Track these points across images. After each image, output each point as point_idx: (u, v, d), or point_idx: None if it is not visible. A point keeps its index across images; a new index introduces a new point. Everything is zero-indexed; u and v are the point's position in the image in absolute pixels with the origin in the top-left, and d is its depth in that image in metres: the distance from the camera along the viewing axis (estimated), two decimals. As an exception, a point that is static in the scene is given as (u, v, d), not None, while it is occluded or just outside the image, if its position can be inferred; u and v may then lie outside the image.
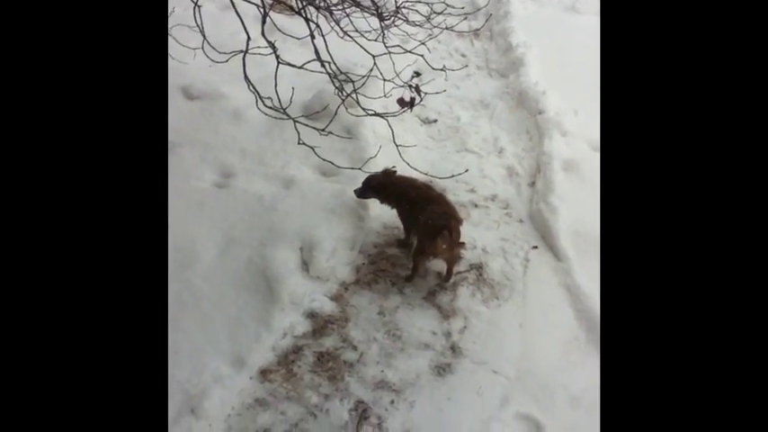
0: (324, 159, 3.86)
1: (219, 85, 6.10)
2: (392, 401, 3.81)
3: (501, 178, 5.84)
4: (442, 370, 4.02)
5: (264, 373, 3.89)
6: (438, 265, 4.74)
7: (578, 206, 5.21)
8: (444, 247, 4.34)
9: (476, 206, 5.44)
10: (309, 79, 5.25)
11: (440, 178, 4.98)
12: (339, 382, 3.88)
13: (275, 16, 5.85)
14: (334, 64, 3.37)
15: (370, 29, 4.32)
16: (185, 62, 5.16)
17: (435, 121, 6.70)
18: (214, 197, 5.01)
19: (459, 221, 4.48)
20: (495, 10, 9.19)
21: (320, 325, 4.23)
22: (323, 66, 3.37)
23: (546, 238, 5.07)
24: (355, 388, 3.87)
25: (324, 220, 4.79)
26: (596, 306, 4.34)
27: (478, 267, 4.78)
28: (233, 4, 3.09)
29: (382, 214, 5.20)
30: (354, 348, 4.11)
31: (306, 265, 4.54)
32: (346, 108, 3.57)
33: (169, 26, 2.92)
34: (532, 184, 5.73)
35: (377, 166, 5.39)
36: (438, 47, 8.15)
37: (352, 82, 3.45)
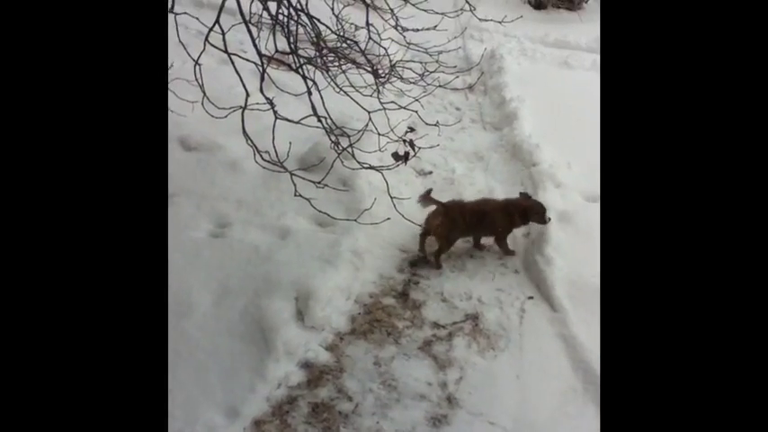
0: (320, 211, 3.91)
1: (217, 136, 6.20)
2: (387, 454, 3.76)
3: (496, 229, 5.89)
4: (437, 421, 3.97)
5: (258, 424, 3.83)
6: (434, 314, 4.76)
7: (573, 257, 5.24)
8: None
9: (471, 257, 5.47)
10: (306, 132, 5.35)
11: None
12: (334, 435, 3.83)
13: (272, 71, 6.01)
14: (330, 119, 3.46)
15: (366, 84, 4.44)
16: (183, 114, 5.27)
17: (431, 173, 6.79)
18: (210, 247, 5.03)
19: None
20: (489, 66, 9.43)
21: (315, 375, 4.20)
22: (319, 121, 3.46)
23: (541, 288, 5.08)
24: (350, 440, 3.82)
25: (319, 270, 4.81)
26: (593, 357, 4.32)
27: (474, 318, 4.77)
28: (231, 60, 3.19)
29: (379, 265, 5.22)
30: (350, 399, 4.06)
31: (301, 315, 4.53)
32: (342, 161, 3.64)
33: (168, 80, 3.01)
34: (527, 235, 5.78)
35: (372, 218, 5.45)
36: (433, 101, 8.33)
37: (348, 136, 3.53)
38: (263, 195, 5.69)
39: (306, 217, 5.47)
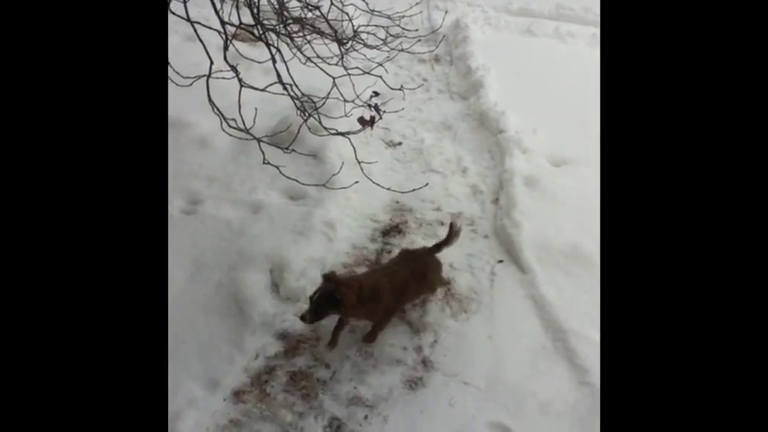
0: (288, 177, 3.93)
1: (184, 113, 6.15)
2: (366, 417, 3.85)
3: (465, 196, 5.99)
4: (414, 384, 4.08)
5: (238, 395, 3.90)
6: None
7: (540, 220, 5.37)
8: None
9: (442, 224, 5.55)
10: (274, 107, 5.37)
11: (403, 192, 5.08)
12: (313, 400, 3.91)
13: (238, 44, 5.97)
14: (297, 87, 3.48)
15: (332, 54, 4.45)
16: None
17: (400, 143, 6.85)
18: (182, 224, 5.04)
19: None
20: (454, 35, 9.47)
21: (292, 345, 4.27)
22: (285, 88, 3.47)
23: (510, 251, 5.20)
24: (329, 405, 3.90)
25: (293, 242, 4.86)
26: (561, 315, 4.47)
27: (446, 283, 4.87)
28: (195, 31, 3.19)
29: (351, 236, 5.29)
30: (327, 366, 4.15)
31: (276, 287, 4.59)
32: (309, 128, 3.67)
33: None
34: (496, 200, 5.89)
35: (341, 183, 5.50)
36: (400, 72, 8.38)
37: (314, 102, 3.56)
38: (233, 171, 5.70)
39: (277, 191, 5.50)
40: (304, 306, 4.54)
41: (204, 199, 5.35)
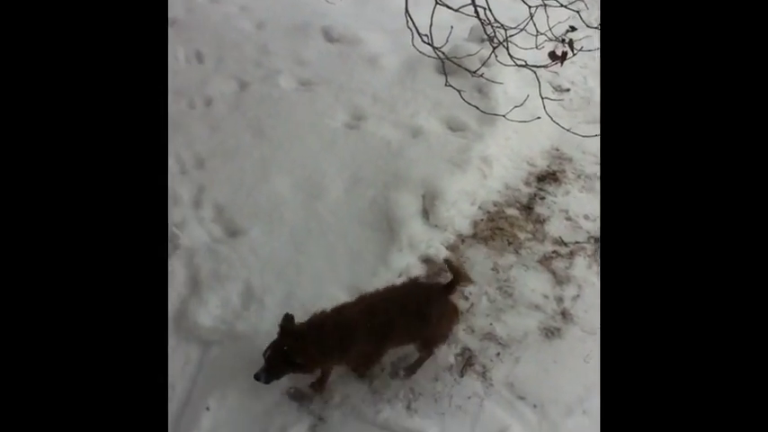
0: (468, 103, 3.82)
1: (359, 30, 6.23)
2: (498, 354, 3.87)
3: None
4: (550, 333, 4.02)
5: (378, 307, 4.04)
6: (556, 231, 4.73)
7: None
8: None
9: (600, 178, 5.31)
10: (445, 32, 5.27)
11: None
12: (448, 327, 3.98)
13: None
14: (490, 11, 3.36)
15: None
16: (332, 1, 5.32)
17: (568, 90, 6.55)
18: (345, 137, 5.17)
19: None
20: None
21: (434, 271, 4.32)
22: (476, 11, 3.37)
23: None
24: (463, 335, 3.95)
25: (447, 172, 4.84)
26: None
27: (597, 240, 4.70)
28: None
29: (506, 176, 5.20)
30: (465, 298, 4.18)
31: (426, 213, 4.63)
32: (496, 56, 3.56)
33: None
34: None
35: (506, 128, 5.38)
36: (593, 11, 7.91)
37: (505, 29, 3.43)
38: (398, 93, 5.72)
39: (438, 119, 5.48)
40: (451, 237, 4.59)
41: (367, 116, 5.44)
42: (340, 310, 3.42)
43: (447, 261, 3.76)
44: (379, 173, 4.82)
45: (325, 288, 4.00)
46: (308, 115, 5.36)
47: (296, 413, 3.49)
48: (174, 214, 4.42)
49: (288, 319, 3.34)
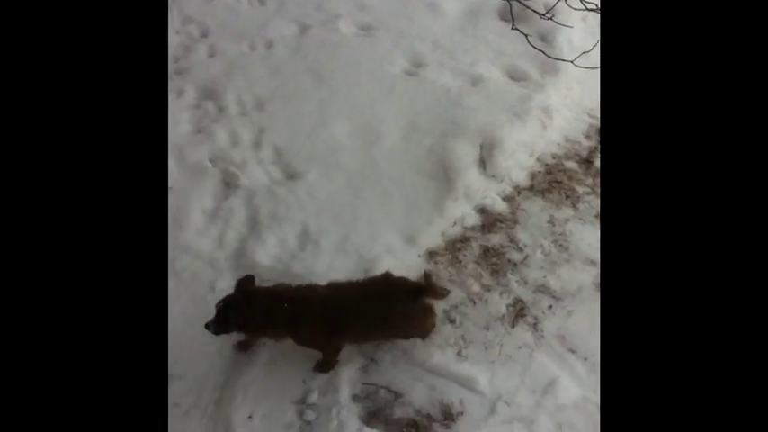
0: (536, 48, 3.73)
1: (420, -26, 6.08)
2: (550, 306, 3.86)
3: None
4: (605, 288, 3.98)
5: (432, 255, 4.07)
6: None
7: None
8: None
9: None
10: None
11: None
12: (501, 278, 3.98)
13: None
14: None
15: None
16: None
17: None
18: (403, 84, 5.12)
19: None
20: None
21: (489, 221, 4.31)
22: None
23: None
24: (516, 286, 3.95)
25: (507, 122, 4.76)
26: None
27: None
28: None
29: (566, 128, 5.08)
30: (520, 250, 4.16)
31: (483, 163, 4.58)
32: (566, 1, 3.44)
33: None
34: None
35: (569, 79, 5.23)
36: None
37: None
38: (459, 40, 5.61)
39: (499, 67, 5.36)
40: (507, 188, 4.55)
41: (427, 63, 5.36)
42: (302, 289, 3.36)
43: (426, 274, 3.48)
44: (437, 121, 4.77)
45: (380, 233, 4.05)
46: (367, 61, 5.32)
47: (348, 353, 3.58)
48: (235, 155, 4.50)
49: (248, 278, 3.36)
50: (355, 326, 3.36)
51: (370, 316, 3.32)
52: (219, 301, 3.31)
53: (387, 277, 3.41)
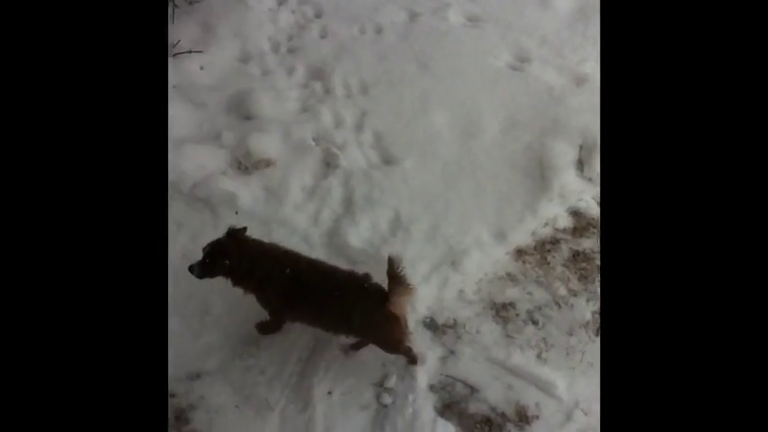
0: None
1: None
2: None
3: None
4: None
5: (520, 253, 4.08)
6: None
7: None
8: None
9: None
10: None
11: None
12: (589, 284, 3.94)
13: None
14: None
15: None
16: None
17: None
18: (506, 78, 5.10)
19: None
20: None
21: (582, 225, 4.27)
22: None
23: None
24: (603, 294, 3.91)
25: (610, 126, 4.66)
26: None
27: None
28: None
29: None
30: (611, 257, 4.10)
31: (581, 164, 4.53)
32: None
33: None
34: None
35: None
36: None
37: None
38: (567, 37, 5.52)
39: (607, 68, 5.23)
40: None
41: (532, 58, 5.31)
42: (289, 254, 3.36)
43: (390, 259, 3.08)
44: (538, 118, 4.74)
45: (471, 226, 4.08)
46: (472, 52, 5.32)
47: (429, 342, 3.66)
48: (337, 136, 4.63)
49: (241, 228, 3.35)
50: (311, 310, 3.36)
51: (327, 306, 3.26)
52: (207, 245, 3.28)
53: (365, 278, 3.29)
